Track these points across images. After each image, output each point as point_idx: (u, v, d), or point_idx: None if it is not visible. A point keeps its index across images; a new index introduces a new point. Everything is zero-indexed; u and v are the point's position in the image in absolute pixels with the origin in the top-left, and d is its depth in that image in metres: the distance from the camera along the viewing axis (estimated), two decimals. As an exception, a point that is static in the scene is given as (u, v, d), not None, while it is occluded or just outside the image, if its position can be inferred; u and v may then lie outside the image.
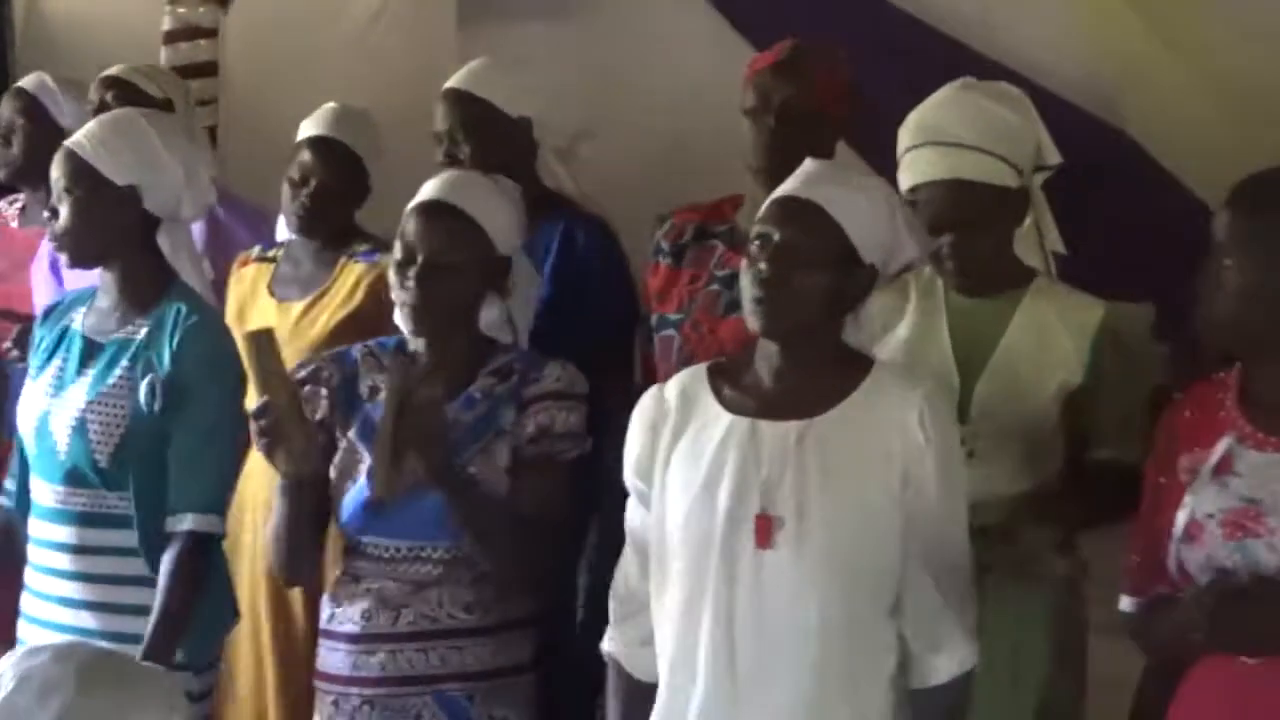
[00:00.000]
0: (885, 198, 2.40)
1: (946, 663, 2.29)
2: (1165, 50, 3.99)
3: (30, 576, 2.99)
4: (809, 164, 2.39)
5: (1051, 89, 3.90)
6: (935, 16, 4.14)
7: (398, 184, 3.22)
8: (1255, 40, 3.88)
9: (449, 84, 3.50)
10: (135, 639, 2.79)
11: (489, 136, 3.40)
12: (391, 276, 2.78)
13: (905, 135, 2.85)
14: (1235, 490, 2.17)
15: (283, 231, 3.66)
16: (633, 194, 3.57)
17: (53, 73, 4.15)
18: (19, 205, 4.14)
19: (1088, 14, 4.07)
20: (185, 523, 2.82)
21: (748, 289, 2.31)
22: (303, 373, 2.84)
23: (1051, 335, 2.74)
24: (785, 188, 2.34)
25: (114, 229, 2.93)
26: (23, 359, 3.31)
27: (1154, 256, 3.48)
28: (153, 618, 2.83)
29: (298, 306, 3.51)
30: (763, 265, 2.27)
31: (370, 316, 3.26)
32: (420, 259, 2.69)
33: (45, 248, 3.78)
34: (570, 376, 2.74)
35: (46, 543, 2.95)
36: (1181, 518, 2.21)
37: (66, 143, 2.99)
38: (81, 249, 2.95)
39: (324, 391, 2.76)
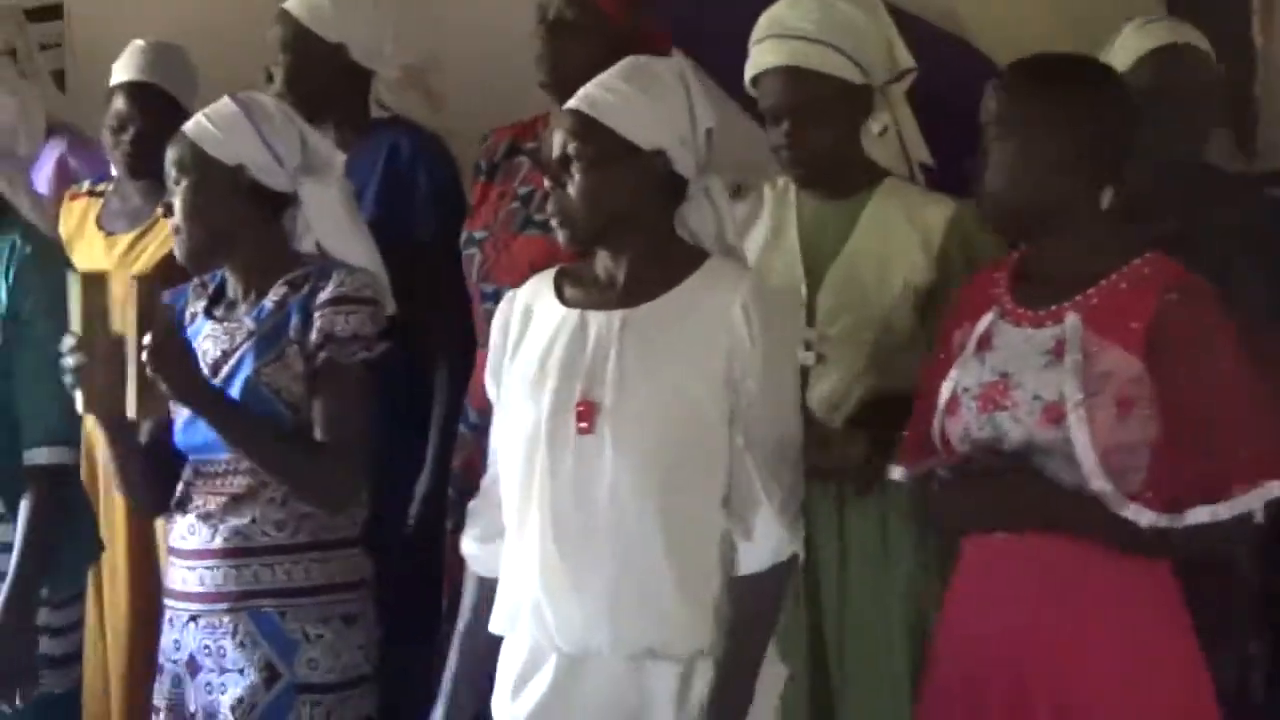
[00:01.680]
0: (665, 74, 2.38)
1: (758, 552, 2.30)
2: None
3: None
4: (601, 75, 2.46)
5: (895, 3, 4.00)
6: None
7: None
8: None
9: (282, 5, 3.52)
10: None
11: (303, 59, 3.42)
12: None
13: (753, 33, 2.87)
14: (990, 364, 2.26)
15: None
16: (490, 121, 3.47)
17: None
18: None
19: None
20: (40, 457, 2.87)
21: (554, 201, 2.38)
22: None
23: (897, 234, 2.79)
24: (571, 104, 2.37)
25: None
26: None
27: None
28: (15, 554, 2.86)
29: (125, 240, 3.51)
30: (547, 183, 2.36)
31: None
32: (174, 193, 2.74)
33: None
34: (357, 281, 2.76)
35: None
36: (945, 390, 2.31)
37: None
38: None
39: (134, 286, 2.77)
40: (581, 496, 2.31)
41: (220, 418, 2.67)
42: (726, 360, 2.30)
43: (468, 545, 2.51)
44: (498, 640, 2.43)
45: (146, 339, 2.56)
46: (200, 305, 2.84)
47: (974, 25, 3.91)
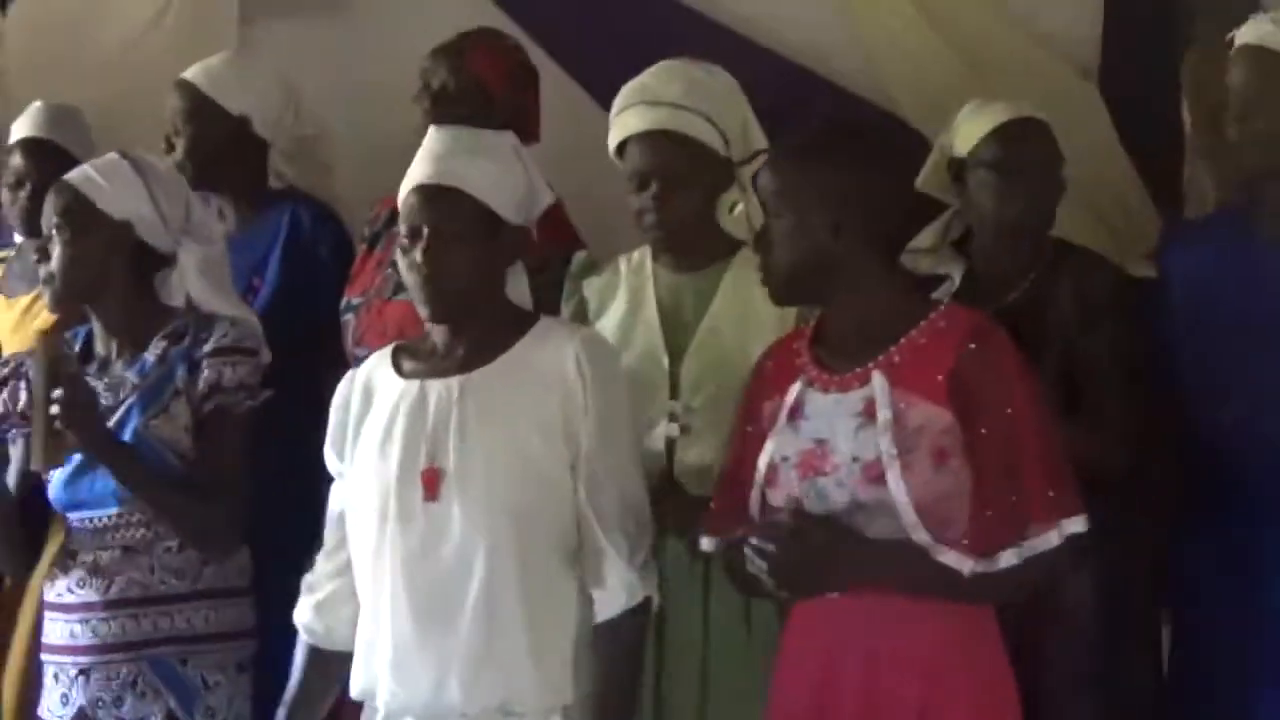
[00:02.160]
0: (511, 151, 2.45)
1: (611, 599, 2.33)
2: (923, 25, 3.91)
3: None
4: (433, 139, 2.44)
5: (828, 78, 3.92)
6: (716, 10, 4.07)
7: None
8: (991, 8, 3.95)
9: (182, 75, 3.53)
10: None
11: (204, 129, 3.42)
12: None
13: (616, 103, 2.90)
14: (805, 432, 2.27)
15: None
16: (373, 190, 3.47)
17: None
18: None
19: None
20: None
21: (409, 280, 2.40)
22: (5, 369, 2.85)
23: (755, 305, 2.72)
24: (419, 173, 2.40)
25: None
26: None
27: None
28: None
29: (23, 301, 3.52)
30: (417, 256, 2.34)
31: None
32: (51, 228, 2.77)
33: None
34: (239, 332, 2.81)
35: None
36: (763, 461, 2.31)
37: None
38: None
39: (24, 385, 2.75)
40: (431, 562, 2.32)
41: (123, 467, 2.70)
42: (562, 413, 2.32)
43: (303, 615, 2.50)
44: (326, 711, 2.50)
45: (56, 392, 2.57)
46: (44, 328, 2.83)
47: (904, 97, 3.89)
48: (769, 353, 2.49)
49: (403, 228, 2.42)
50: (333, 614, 2.48)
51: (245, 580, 2.89)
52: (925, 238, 3.05)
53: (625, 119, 2.89)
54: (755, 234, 2.41)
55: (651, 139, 2.81)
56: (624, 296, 2.93)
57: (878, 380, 2.26)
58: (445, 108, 3.11)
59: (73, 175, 2.85)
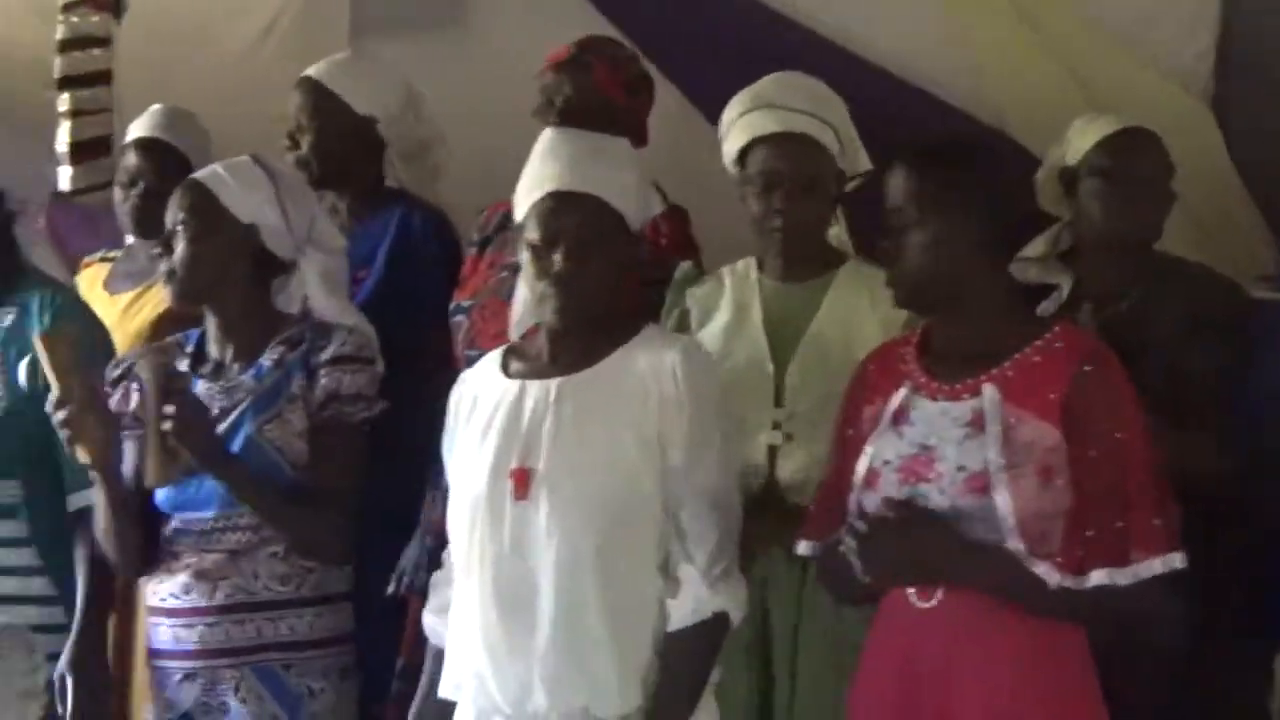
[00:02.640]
0: (631, 158, 2.49)
1: (678, 610, 2.31)
2: (1032, 43, 3.99)
3: None
4: (555, 143, 2.42)
5: (936, 94, 3.98)
6: (814, 20, 4.13)
7: None
8: (1100, 28, 3.96)
9: (305, 72, 3.56)
10: (43, 628, 2.91)
11: (331, 128, 3.44)
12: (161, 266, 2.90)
13: (734, 106, 2.92)
14: (909, 438, 2.26)
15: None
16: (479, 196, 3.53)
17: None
18: None
19: (962, 13, 4.07)
20: (84, 500, 2.89)
21: (538, 285, 2.37)
22: (117, 370, 2.88)
23: (860, 316, 2.79)
24: (550, 179, 2.38)
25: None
26: None
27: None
28: (81, 603, 2.88)
29: (126, 298, 3.54)
30: (556, 262, 2.32)
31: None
32: (170, 228, 2.76)
33: None
34: (357, 341, 2.82)
35: None
36: (862, 465, 2.30)
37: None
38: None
39: (135, 385, 2.81)
40: (519, 562, 2.33)
41: (235, 480, 2.70)
42: (657, 421, 2.32)
43: (428, 619, 2.55)
44: (450, 709, 2.49)
45: (167, 408, 2.61)
46: (184, 365, 2.86)
47: (1011, 114, 3.92)
48: (872, 357, 2.49)
49: (534, 233, 2.39)
50: (444, 616, 2.51)
51: (346, 585, 2.90)
52: (1035, 247, 3.01)
53: (752, 121, 2.89)
54: (881, 241, 2.35)
55: (785, 142, 2.82)
56: (728, 306, 2.94)
57: (989, 392, 2.25)
58: (571, 121, 3.07)
59: (203, 173, 2.87)
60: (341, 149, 3.46)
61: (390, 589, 3.24)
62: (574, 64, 3.28)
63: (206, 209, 2.76)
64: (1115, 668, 2.38)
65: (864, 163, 2.99)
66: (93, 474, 2.79)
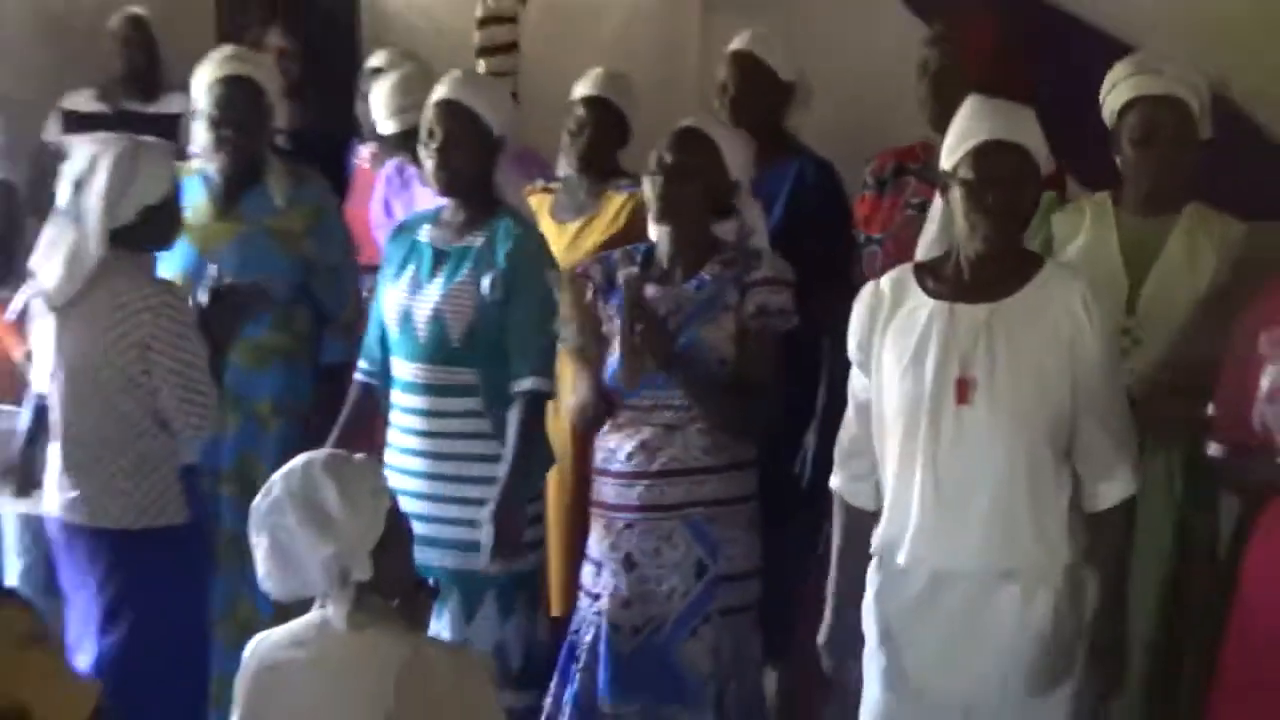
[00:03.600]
0: (1036, 123, 2.59)
1: (1116, 489, 2.51)
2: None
3: (392, 435, 3.29)
4: (988, 107, 2.58)
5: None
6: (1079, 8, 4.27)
7: (647, 134, 3.64)
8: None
9: (737, 47, 3.79)
10: (474, 480, 3.20)
11: (758, 91, 3.71)
12: (647, 189, 3.06)
13: (1120, 69, 3.06)
14: None
15: (561, 168, 3.98)
16: (841, 143, 3.89)
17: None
18: (372, 152, 4.45)
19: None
20: (526, 384, 3.15)
21: (973, 219, 2.51)
22: (578, 270, 3.18)
23: (1200, 249, 2.95)
24: (989, 132, 2.53)
25: (482, 166, 3.25)
26: None
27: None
28: (507, 464, 3.14)
29: (572, 227, 3.78)
30: (990, 200, 2.47)
31: (628, 235, 3.48)
32: (670, 163, 3.00)
33: (380, 186, 4.28)
34: (780, 266, 3.02)
35: (407, 409, 3.25)
36: (1265, 383, 2.44)
37: (453, 98, 3.26)
38: (461, 184, 3.26)
39: (590, 285, 3.12)
40: (959, 454, 2.48)
41: (686, 379, 2.97)
42: (1071, 345, 2.48)
43: (838, 482, 2.68)
44: (865, 557, 2.64)
45: (638, 327, 2.93)
46: (633, 270, 3.07)
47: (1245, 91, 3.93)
48: (1272, 288, 2.57)
49: (970, 174, 2.50)
50: (856, 483, 2.65)
51: (753, 454, 3.08)
52: None
53: (1131, 82, 3.02)
54: None
55: (1161, 101, 2.97)
56: (1087, 231, 3.05)
57: None
58: (947, 87, 3.25)
59: (695, 121, 3.15)
60: (763, 108, 3.71)
61: (798, 468, 3.51)
62: (942, 39, 3.45)
63: (702, 153, 3.06)
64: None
65: (1206, 132, 3.03)
66: (583, 374, 3.13)
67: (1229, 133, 3.23)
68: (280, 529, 2.24)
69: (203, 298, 3.23)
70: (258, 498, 2.31)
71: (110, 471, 3.08)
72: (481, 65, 4.49)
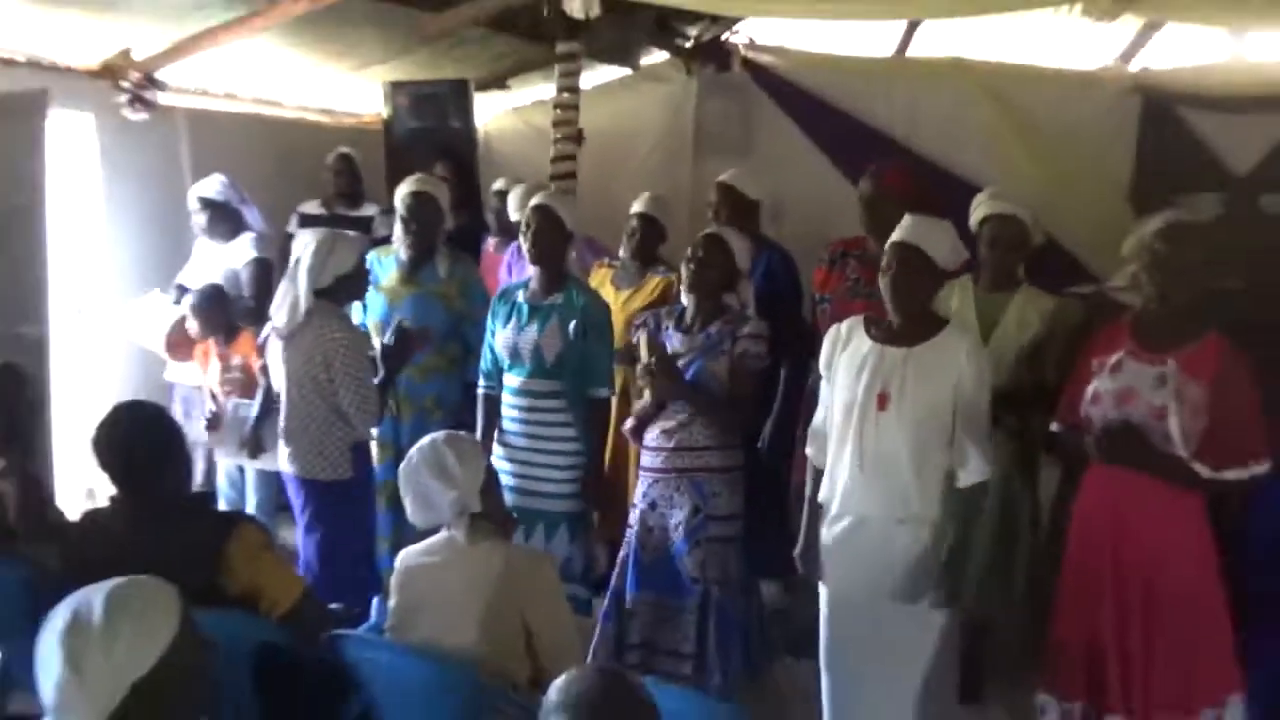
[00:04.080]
0: (948, 230, 2.81)
1: (973, 474, 2.71)
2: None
3: (505, 424, 3.60)
4: (910, 220, 2.83)
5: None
6: (892, 129, 5.21)
7: (676, 236, 4.18)
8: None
9: (720, 179, 4.14)
10: (558, 452, 3.59)
11: (735, 208, 4.05)
12: (684, 270, 3.30)
13: (978, 198, 3.51)
14: (1120, 381, 2.65)
15: (621, 253, 4.30)
16: (804, 235, 4.11)
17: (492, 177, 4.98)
18: (495, 242, 4.92)
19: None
20: (601, 392, 3.46)
21: (885, 289, 2.74)
22: (637, 321, 3.43)
23: (1028, 317, 3.28)
24: (897, 236, 2.74)
25: (558, 249, 3.54)
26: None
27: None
28: (588, 443, 3.51)
29: (624, 294, 4.10)
30: (895, 277, 2.72)
31: (660, 304, 3.78)
32: (700, 257, 3.27)
33: (504, 260, 4.68)
34: (760, 327, 3.20)
35: (515, 406, 3.56)
36: (1090, 390, 2.67)
37: (545, 204, 3.52)
38: (547, 261, 3.53)
39: (645, 329, 3.36)
40: (876, 442, 2.74)
41: (691, 398, 3.25)
42: (956, 382, 2.69)
43: (810, 451, 2.89)
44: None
45: (654, 360, 3.25)
46: (672, 321, 3.33)
47: None
48: (1101, 328, 2.80)
49: (884, 262, 2.79)
50: (818, 453, 2.87)
51: (738, 440, 3.34)
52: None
53: (990, 205, 3.39)
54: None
55: (1002, 217, 3.33)
56: (956, 300, 3.38)
57: (1171, 365, 2.62)
58: (875, 212, 3.69)
59: (717, 229, 3.48)
60: (741, 217, 3.97)
61: (760, 444, 3.70)
62: (871, 177, 3.71)
63: (725, 254, 3.43)
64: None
65: (1040, 235, 3.31)
66: (643, 389, 3.31)
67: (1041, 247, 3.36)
68: (420, 481, 2.45)
69: (389, 338, 3.52)
70: (403, 463, 2.53)
71: (310, 443, 3.37)
72: (553, 185, 4.83)
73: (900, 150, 4.97)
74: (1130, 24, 4.75)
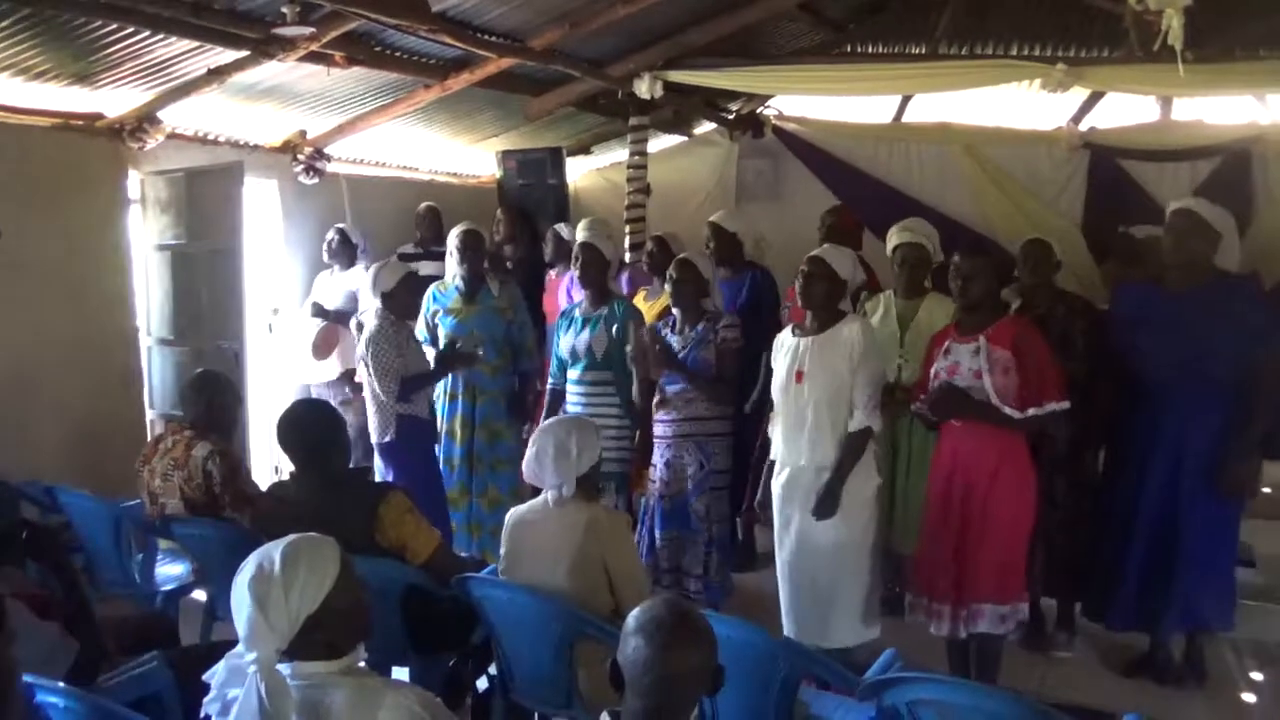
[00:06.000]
0: (849, 255, 2.90)
1: (854, 423, 2.83)
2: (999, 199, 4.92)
3: (569, 408, 3.58)
4: (826, 248, 2.95)
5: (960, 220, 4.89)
6: (906, 185, 5.15)
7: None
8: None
9: (710, 220, 4.08)
10: (612, 429, 3.50)
11: (721, 239, 4.01)
12: (669, 287, 3.37)
13: (891, 229, 3.42)
14: (949, 359, 2.77)
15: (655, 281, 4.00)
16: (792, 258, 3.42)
17: (578, 219, 4.76)
18: (556, 271, 4.74)
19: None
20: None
21: (800, 290, 2.89)
22: (643, 330, 3.47)
23: (935, 317, 3.20)
24: (813, 254, 2.91)
25: (603, 274, 3.57)
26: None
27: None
28: (636, 422, 3.41)
29: (652, 302, 4.10)
30: (806, 281, 2.83)
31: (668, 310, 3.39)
32: (676, 278, 3.34)
33: (563, 284, 4.57)
34: (730, 319, 3.30)
35: (576, 393, 3.59)
36: (932, 370, 2.80)
37: (589, 242, 3.58)
38: (593, 283, 3.55)
39: (641, 330, 3.43)
40: (797, 406, 2.83)
41: (688, 375, 3.27)
42: (849, 355, 2.79)
43: (771, 420, 2.92)
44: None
45: (657, 348, 3.28)
46: (668, 328, 3.38)
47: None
48: (942, 330, 2.87)
49: (804, 269, 2.87)
50: (774, 420, 2.89)
51: (730, 410, 3.38)
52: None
53: (900, 234, 3.33)
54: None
55: (913, 246, 3.30)
56: (881, 308, 3.35)
57: (981, 341, 2.70)
58: (829, 237, 3.79)
59: (687, 255, 3.45)
60: (728, 249, 3.96)
61: (746, 409, 3.71)
62: (830, 214, 3.95)
63: (697, 275, 3.37)
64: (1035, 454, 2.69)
65: (939, 255, 3.27)
66: (639, 374, 3.35)
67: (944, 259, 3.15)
68: (544, 454, 2.43)
69: (445, 348, 3.67)
70: (538, 430, 2.52)
71: (374, 414, 3.50)
72: (628, 228, 5.04)
73: (897, 196, 5.09)
74: (1079, 93, 4.79)
